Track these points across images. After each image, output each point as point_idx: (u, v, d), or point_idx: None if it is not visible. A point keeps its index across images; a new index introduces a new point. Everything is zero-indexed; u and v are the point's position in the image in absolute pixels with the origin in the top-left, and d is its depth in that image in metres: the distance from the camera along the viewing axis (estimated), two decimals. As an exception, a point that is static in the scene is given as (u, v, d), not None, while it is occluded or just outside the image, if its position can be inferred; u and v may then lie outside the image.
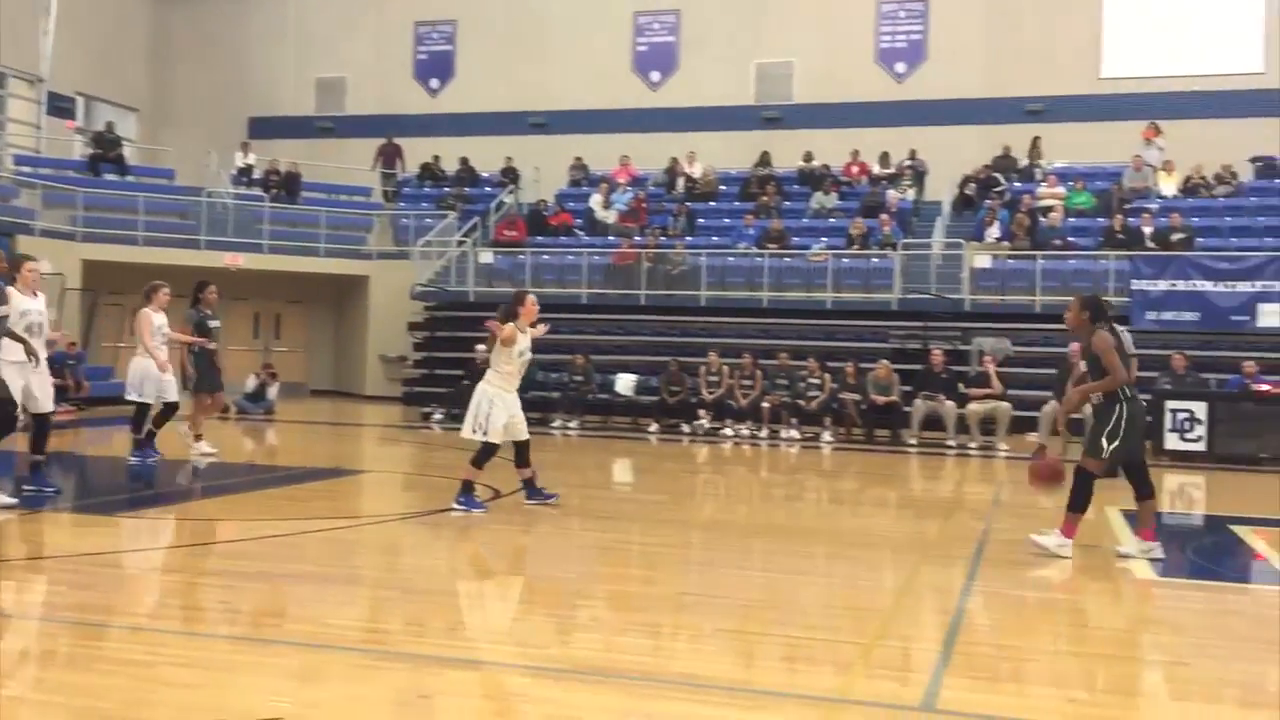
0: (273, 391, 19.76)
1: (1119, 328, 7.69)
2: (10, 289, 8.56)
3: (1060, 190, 22.16)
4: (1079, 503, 7.59)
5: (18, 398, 8.47)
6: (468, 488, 8.94)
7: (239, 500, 8.65)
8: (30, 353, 8.45)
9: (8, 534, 8.19)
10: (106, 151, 24.78)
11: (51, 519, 8.75)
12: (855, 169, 24.40)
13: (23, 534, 8.19)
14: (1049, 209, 21.17)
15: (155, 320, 11.48)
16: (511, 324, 8.96)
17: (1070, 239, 20.30)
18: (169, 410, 11.58)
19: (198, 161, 26.35)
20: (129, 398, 11.53)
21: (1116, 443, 7.41)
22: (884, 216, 21.20)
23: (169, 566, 7.03)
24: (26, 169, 23.89)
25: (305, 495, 10.04)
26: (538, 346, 9.59)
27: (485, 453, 8.94)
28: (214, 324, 12.36)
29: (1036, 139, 23.80)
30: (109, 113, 28.22)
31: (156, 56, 29.92)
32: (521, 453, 9.23)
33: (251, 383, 19.78)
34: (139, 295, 11.79)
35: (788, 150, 24.99)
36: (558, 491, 9.49)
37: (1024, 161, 23.75)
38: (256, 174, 25.77)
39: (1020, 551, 8.25)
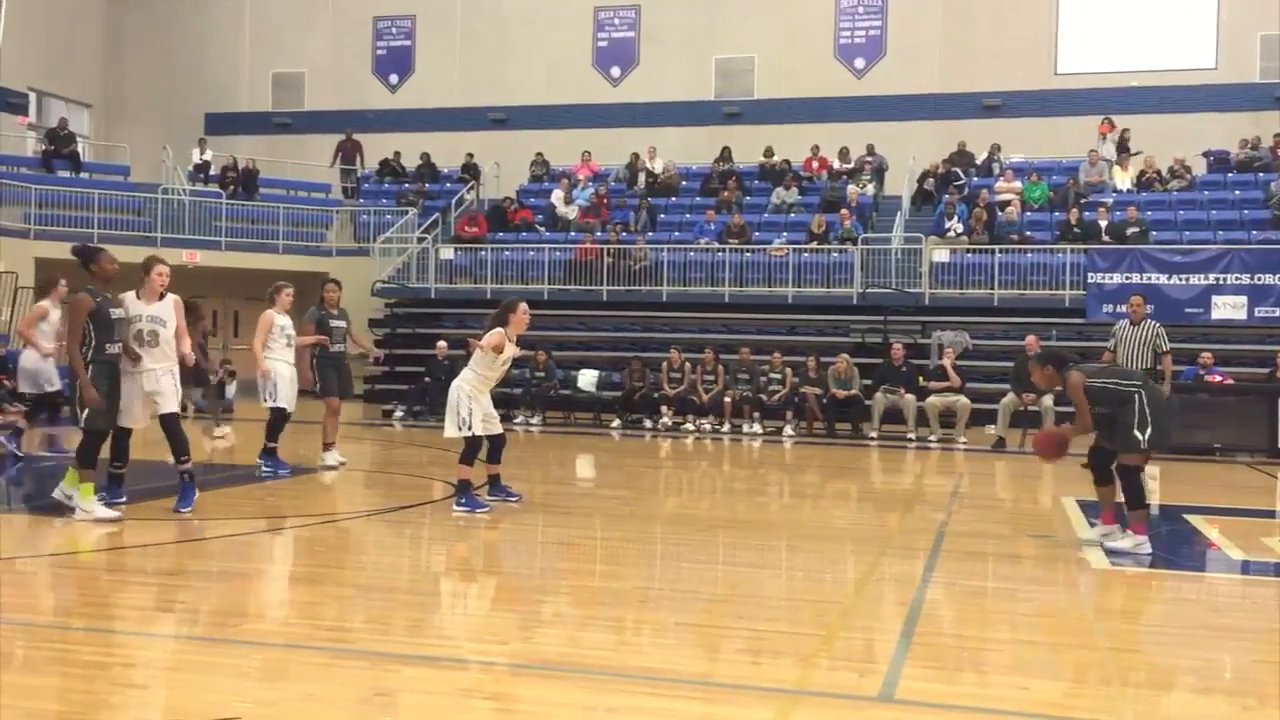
0: (232, 389, 19.58)
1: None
2: (126, 295, 8.19)
3: (1017, 185, 22.38)
4: (1136, 500, 7.65)
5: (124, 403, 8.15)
6: (465, 488, 8.88)
7: (198, 499, 8.56)
8: (134, 359, 8.09)
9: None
10: (60, 148, 24.43)
11: (7, 520, 8.63)
12: (815, 164, 24.50)
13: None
14: (1006, 203, 21.38)
15: (279, 322, 10.84)
16: (501, 331, 8.92)
17: (1027, 233, 20.51)
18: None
19: (153, 158, 26.07)
20: (266, 404, 10.84)
21: (1150, 430, 7.54)
22: (844, 211, 21.32)
23: (127, 566, 6.95)
24: (-22, 166, 23.51)
25: (265, 494, 9.97)
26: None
27: (471, 449, 8.93)
28: (337, 324, 11.52)
29: (996, 146, 23.99)
30: (62, 109, 27.86)
31: (110, 51, 29.56)
32: (495, 449, 9.22)
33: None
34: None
35: (748, 145, 25.07)
36: (520, 492, 9.45)
37: (982, 156, 23.96)
38: (214, 171, 25.51)
39: (979, 543, 8.35)
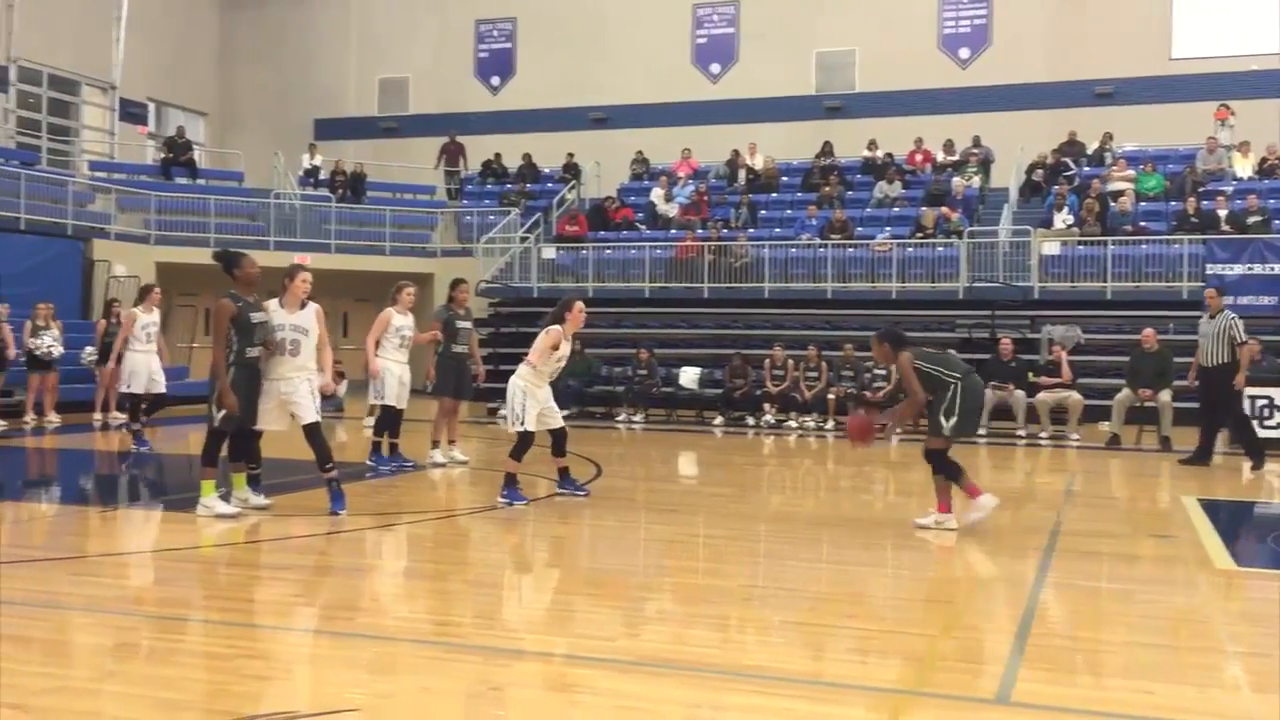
0: (342, 389, 20.01)
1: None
2: (270, 302, 8.39)
3: (1131, 174, 21.74)
4: (953, 472, 8.15)
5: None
6: (511, 481, 9.04)
7: (309, 496, 8.79)
8: (274, 354, 8.26)
9: (91, 530, 8.41)
10: (178, 155, 25.31)
11: (127, 516, 8.97)
12: (919, 157, 24.14)
13: (103, 530, 8.41)
14: (1119, 194, 20.78)
15: (396, 321, 10.90)
16: (557, 329, 9.12)
17: (1142, 224, 19.90)
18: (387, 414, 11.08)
19: (265, 164, 26.82)
20: (373, 401, 11.20)
21: (955, 419, 8.00)
22: (945, 209, 20.95)
23: (243, 562, 7.16)
24: (101, 174, 24.51)
25: (374, 491, 10.17)
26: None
27: (523, 444, 9.04)
28: (464, 325, 11.43)
29: (1108, 135, 23.31)
30: (179, 117, 28.85)
31: (224, 61, 30.49)
32: (558, 442, 9.33)
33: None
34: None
35: (850, 139, 24.80)
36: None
37: (1093, 145, 23.32)
38: (323, 175, 26.14)
39: (1094, 543, 8.13)
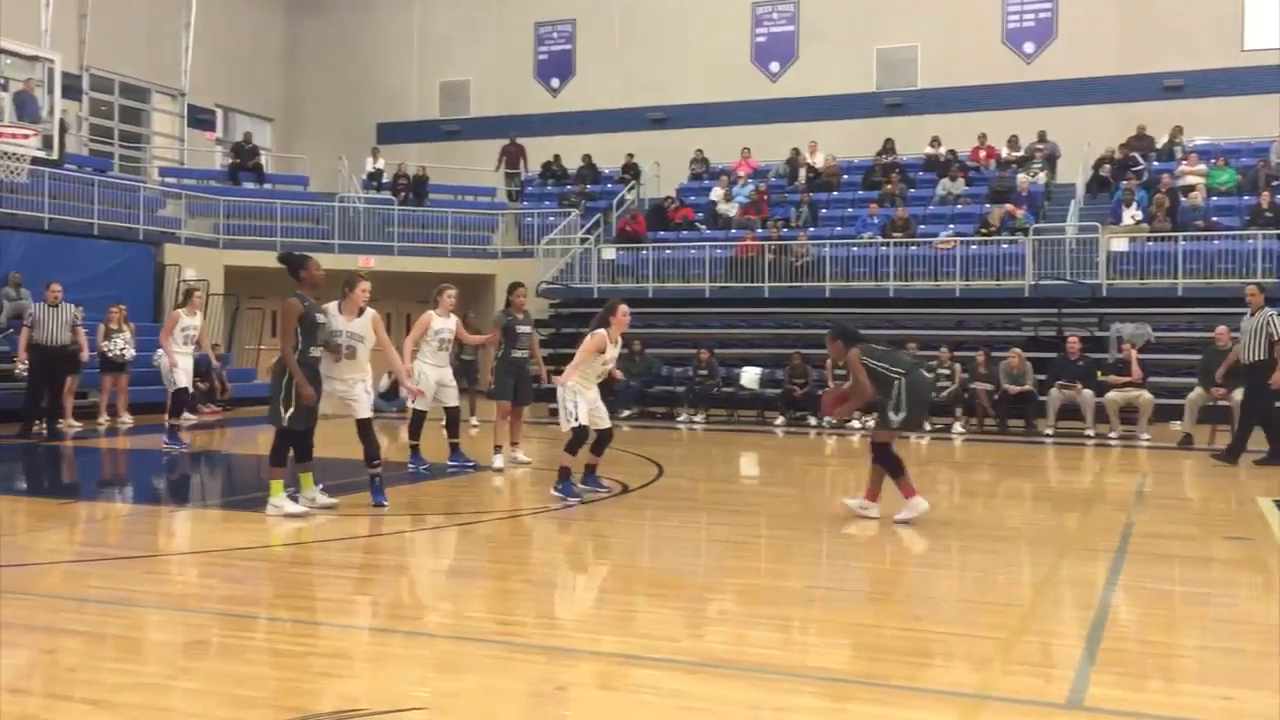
0: (404, 390, 20.22)
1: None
2: (329, 305, 8.60)
3: (1202, 168, 21.29)
4: (895, 469, 8.41)
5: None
6: (565, 475, 9.24)
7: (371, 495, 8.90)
8: (336, 357, 8.58)
9: (162, 529, 8.59)
10: (245, 161, 25.75)
11: (198, 515, 9.13)
12: (983, 153, 23.85)
13: (174, 529, 8.58)
14: (1190, 188, 20.35)
15: (435, 324, 10.95)
16: (603, 333, 9.27)
17: (1214, 219, 19.47)
18: (449, 415, 11.25)
19: (330, 168, 27.20)
20: (413, 405, 11.32)
21: (902, 413, 8.31)
22: (1009, 206, 20.67)
23: (311, 560, 7.26)
24: (171, 180, 25.00)
25: (438, 490, 10.26)
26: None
27: (578, 439, 9.22)
28: (523, 329, 11.31)
29: (1178, 128, 22.85)
30: (246, 123, 29.34)
31: (289, 67, 30.96)
32: (600, 443, 9.50)
33: (385, 382, 20.25)
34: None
35: (912, 137, 24.58)
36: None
37: (1162, 140, 22.86)
38: (385, 178, 26.45)
39: (1167, 545, 7.97)
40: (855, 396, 8.63)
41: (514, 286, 11.60)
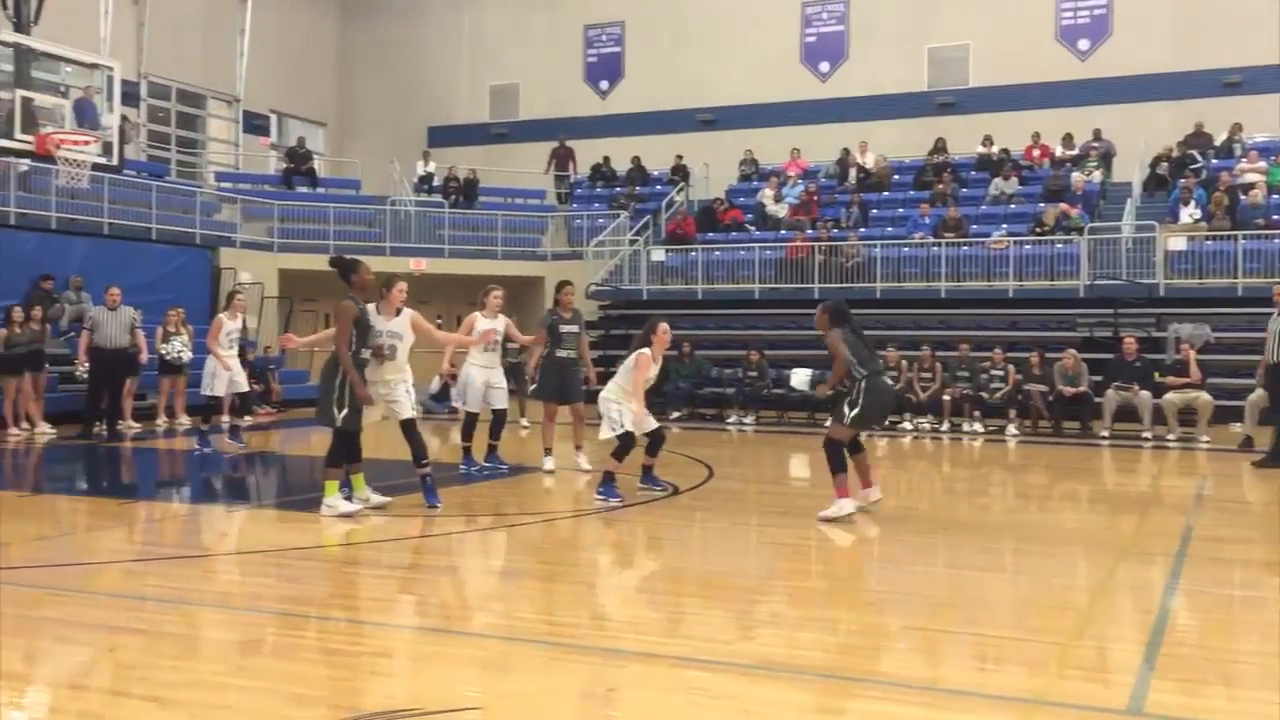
0: (454, 391, 20.36)
1: None
2: (368, 307, 8.66)
3: (1262, 165, 20.87)
4: (838, 466, 8.53)
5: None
6: (609, 479, 9.32)
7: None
8: (380, 360, 8.64)
9: (219, 528, 8.70)
10: (298, 165, 26.06)
11: (254, 515, 9.25)
12: (1036, 152, 23.56)
13: (230, 529, 8.69)
14: (1250, 186, 19.95)
15: (481, 325, 10.85)
16: (646, 352, 9.46)
17: (1275, 217, 19.09)
18: (496, 418, 11.18)
19: (381, 171, 27.45)
20: (460, 406, 11.44)
21: (857, 410, 8.50)
22: (1064, 205, 20.40)
23: (365, 560, 7.32)
24: (227, 185, 25.35)
25: (489, 492, 10.31)
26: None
27: (624, 446, 9.35)
28: (567, 328, 11.10)
29: (1237, 125, 22.42)
30: (299, 128, 29.69)
31: (342, 72, 31.30)
32: (655, 444, 9.75)
33: (435, 383, 20.40)
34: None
35: (964, 136, 24.34)
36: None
37: (1221, 137, 22.45)
38: (436, 181, 26.64)
39: (1228, 549, 7.82)
40: (836, 373, 8.86)
41: (561, 285, 11.48)
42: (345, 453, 8.58)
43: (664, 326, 9.62)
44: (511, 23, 29.81)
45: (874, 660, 5.06)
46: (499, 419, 11.25)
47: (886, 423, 16.11)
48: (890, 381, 9.08)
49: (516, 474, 11.19)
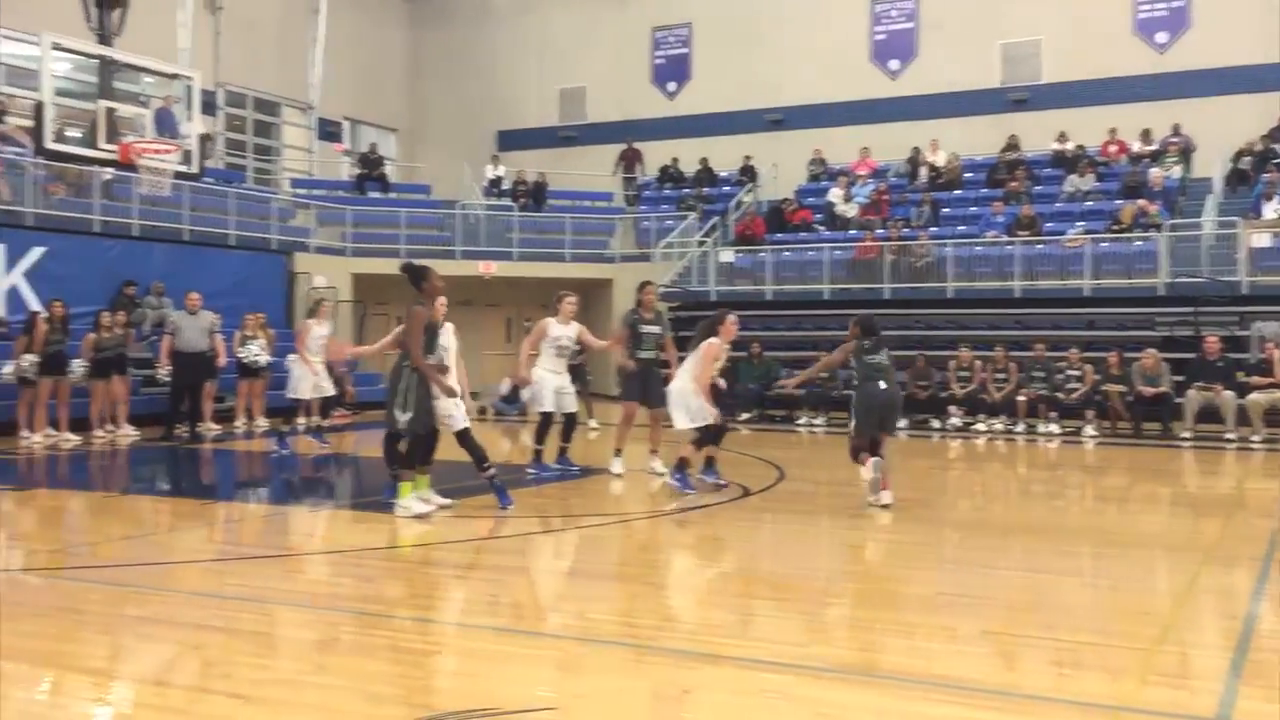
0: (526, 393, 20.49)
1: None
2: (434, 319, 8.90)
3: (1351, 159, 20.24)
4: (856, 459, 9.28)
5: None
6: (683, 465, 9.71)
7: (492, 500, 9.02)
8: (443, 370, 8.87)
9: (296, 528, 8.85)
10: (371, 171, 26.43)
11: (330, 516, 9.40)
12: (1113, 148, 23.10)
13: (308, 529, 8.83)
14: (1338, 180, 19.37)
15: (554, 331, 10.89)
16: (715, 342, 9.79)
17: (1364, 211, 18.51)
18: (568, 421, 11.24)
19: (451, 176, 27.72)
20: (532, 409, 11.60)
21: (853, 419, 9.45)
22: (1142, 201, 19.97)
23: (439, 561, 7.40)
24: (302, 191, 25.78)
25: (558, 493, 10.36)
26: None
27: (706, 435, 9.82)
28: (649, 329, 10.95)
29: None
30: (371, 134, 30.09)
31: (412, 79, 31.67)
32: (716, 435, 10.03)
33: (505, 385, 20.60)
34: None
35: (1037, 132, 23.95)
36: (810, 488, 9.92)
37: (1307, 129, 21.83)
38: (505, 185, 26.84)
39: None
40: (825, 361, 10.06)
41: (643, 285, 11.36)
42: (419, 455, 8.70)
43: (732, 317, 9.87)
44: (579, 26, 29.93)
45: (948, 664, 4.99)
46: (570, 422, 11.26)
47: (909, 423, 16.31)
48: (884, 385, 9.45)
49: (586, 475, 11.22)
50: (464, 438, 8.79)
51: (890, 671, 4.75)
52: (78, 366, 14.74)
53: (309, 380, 13.72)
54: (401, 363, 8.48)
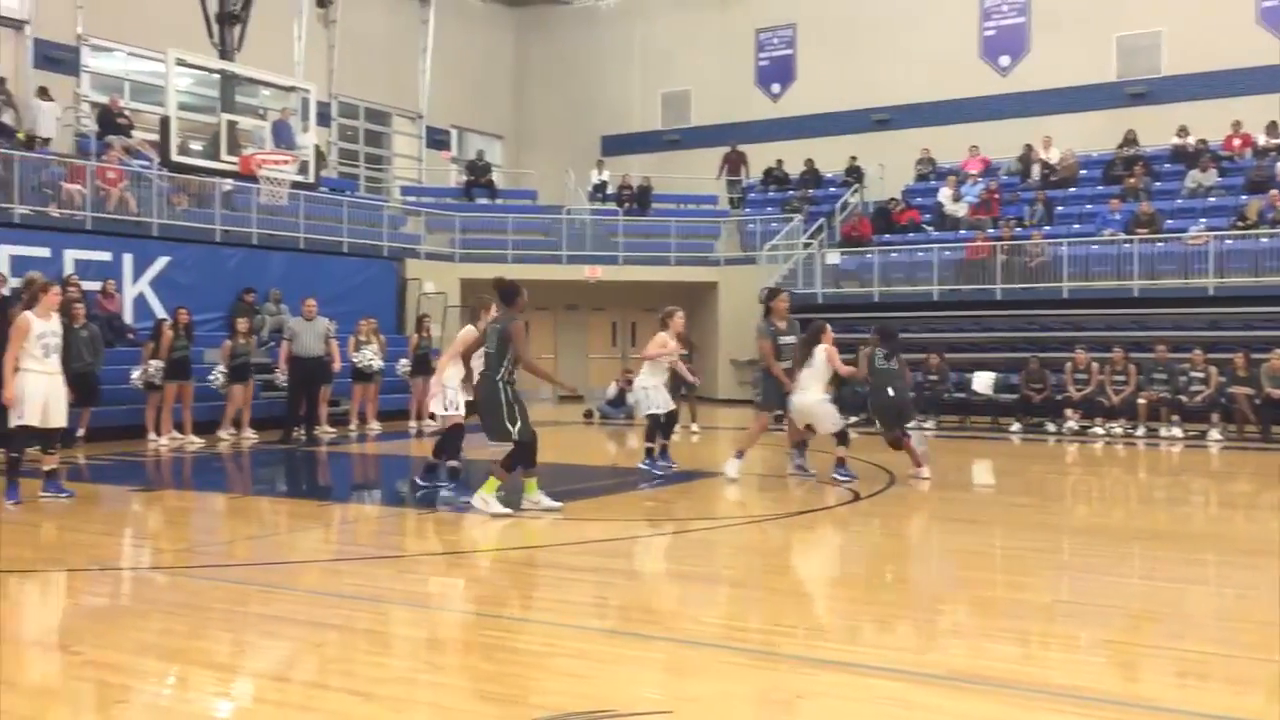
0: (632, 397, 20.60)
1: None
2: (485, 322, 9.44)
3: None
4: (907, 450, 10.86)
5: None
6: (842, 462, 10.66)
7: (607, 501, 9.10)
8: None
9: (409, 529, 9.04)
10: (478, 178, 26.86)
11: (452, 519, 9.56)
12: (1237, 142, 22.28)
13: (420, 530, 9.01)
14: None
15: (670, 344, 11.80)
16: (828, 347, 10.73)
17: None
18: (668, 420, 11.83)
19: (557, 181, 28.01)
20: (642, 413, 12.10)
21: (877, 420, 11.00)
22: (1274, 192, 19.20)
23: (547, 562, 7.47)
24: (411, 198, 26.33)
25: (668, 496, 10.38)
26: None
27: (846, 434, 10.87)
28: (785, 339, 10.97)
29: None
30: (479, 141, 30.59)
31: (518, 86, 32.09)
32: (841, 435, 10.85)
33: (612, 389, 20.74)
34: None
35: (1155, 127, 23.23)
36: (921, 493, 9.82)
37: None
38: (610, 189, 27.02)
39: None
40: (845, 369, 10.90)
41: (774, 293, 11.33)
42: (526, 459, 8.82)
43: (828, 328, 10.84)
44: (682, 30, 29.98)
45: (1068, 673, 4.87)
46: (671, 420, 11.94)
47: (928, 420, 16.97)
48: (891, 392, 10.84)
49: (691, 479, 11.22)
50: (455, 430, 10.04)
51: (1007, 680, 4.65)
52: (219, 373, 15.29)
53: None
54: (494, 377, 8.63)
